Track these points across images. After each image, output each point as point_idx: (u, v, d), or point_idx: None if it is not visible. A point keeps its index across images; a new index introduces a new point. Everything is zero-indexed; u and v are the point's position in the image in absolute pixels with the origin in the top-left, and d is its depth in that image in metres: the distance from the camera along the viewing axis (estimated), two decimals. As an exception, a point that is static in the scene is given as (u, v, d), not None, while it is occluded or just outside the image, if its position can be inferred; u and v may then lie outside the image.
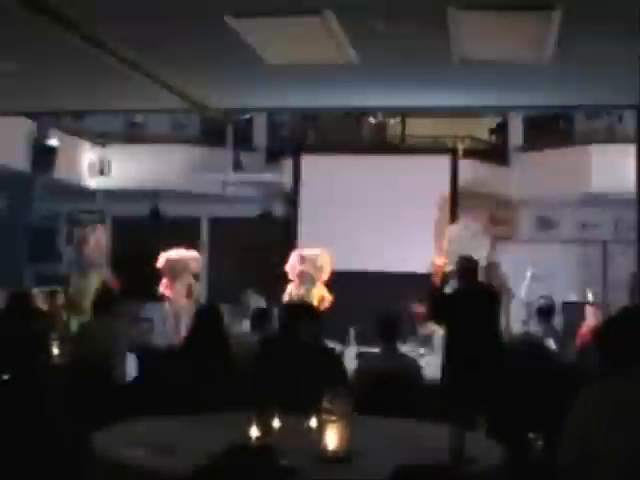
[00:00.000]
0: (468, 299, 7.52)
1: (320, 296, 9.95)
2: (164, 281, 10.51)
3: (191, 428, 4.63)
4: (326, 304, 9.93)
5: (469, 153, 14.37)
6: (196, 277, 10.88)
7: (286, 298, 9.98)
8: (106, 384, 6.78)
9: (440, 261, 8.66)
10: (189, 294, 10.47)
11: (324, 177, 13.61)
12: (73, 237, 16.18)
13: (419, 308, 8.74)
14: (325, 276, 10.19)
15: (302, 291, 9.94)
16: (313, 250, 10.27)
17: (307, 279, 10.06)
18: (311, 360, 5.64)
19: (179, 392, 5.39)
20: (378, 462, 3.97)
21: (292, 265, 10.19)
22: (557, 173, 13.47)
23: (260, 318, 7.77)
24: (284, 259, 10.48)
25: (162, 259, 10.54)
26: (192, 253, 10.80)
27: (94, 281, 10.24)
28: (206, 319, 6.01)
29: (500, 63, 7.02)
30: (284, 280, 10.34)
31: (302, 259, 10.17)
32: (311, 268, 10.11)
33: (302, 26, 6.23)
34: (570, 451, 3.70)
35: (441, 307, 7.65)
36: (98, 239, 10.68)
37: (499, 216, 14.84)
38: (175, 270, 10.50)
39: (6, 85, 8.20)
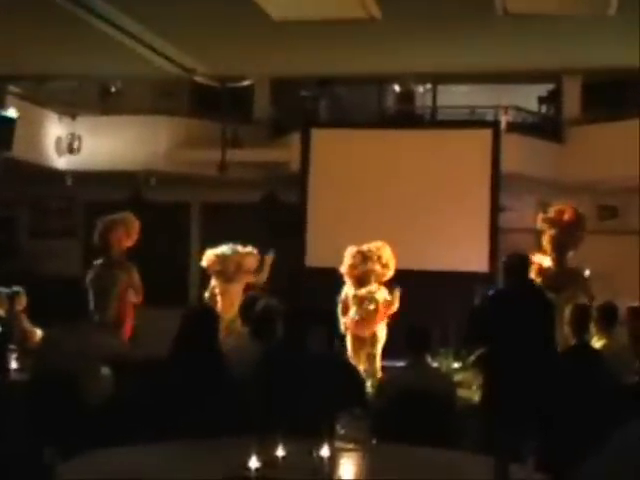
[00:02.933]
0: (513, 303, 7.49)
1: (384, 300, 9.67)
2: (212, 284, 10.34)
3: (177, 458, 4.61)
4: (393, 309, 9.62)
5: (514, 127, 14.34)
6: (254, 278, 10.55)
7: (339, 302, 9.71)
8: (74, 405, 6.77)
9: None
10: None
11: (338, 155, 13.60)
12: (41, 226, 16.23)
13: None
14: (390, 274, 9.97)
15: (363, 293, 9.63)
16: (374, 244, 9.92)
17: (370, 280, 9.74)
18: (323, 375, 5.61)
19: (162, 414, 5.36)
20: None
21: (352, 265, 9.74)
22: (621, 151, 13.41)
23: (263, 323, 7.72)
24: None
25: (209, 257, 10.37)
26: (247, 249, 10.53)
27: (120, 284, 9.98)
28: (196, 324, 5.97)
29: (552, 15, 6.96)
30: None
31: (364, 257, 9.75)
32: (378, 266, 9.75)
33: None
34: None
35: (481, 326, 7.62)
36: (130, 230, 10.34)
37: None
38: (227, 270, 10.29)
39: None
